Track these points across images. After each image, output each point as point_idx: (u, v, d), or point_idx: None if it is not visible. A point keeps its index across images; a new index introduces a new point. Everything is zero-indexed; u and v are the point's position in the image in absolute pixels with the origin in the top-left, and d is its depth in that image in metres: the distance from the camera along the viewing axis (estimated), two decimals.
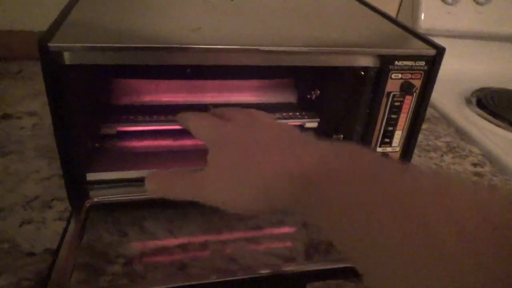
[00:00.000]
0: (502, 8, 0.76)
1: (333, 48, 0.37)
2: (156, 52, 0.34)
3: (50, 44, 0.31)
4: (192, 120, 0.33)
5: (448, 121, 0.66)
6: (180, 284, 0.34)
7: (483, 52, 0.81)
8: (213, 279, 0.36)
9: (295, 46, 0.37)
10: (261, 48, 0.35)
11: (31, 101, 0.60)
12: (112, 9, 0.42)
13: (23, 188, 0.43)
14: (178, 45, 0.34)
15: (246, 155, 0.27)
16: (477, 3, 0.74)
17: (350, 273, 0.38)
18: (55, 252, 0.32)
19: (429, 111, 0.69)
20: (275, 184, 0.25)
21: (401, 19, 0.80)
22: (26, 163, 0.47)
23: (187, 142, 0.49)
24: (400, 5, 0.81)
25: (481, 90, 0.74)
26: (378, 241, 0.19)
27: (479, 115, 0.67)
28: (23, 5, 0.71)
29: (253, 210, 0.29)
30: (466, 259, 0.16)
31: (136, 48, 0.33)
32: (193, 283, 0.35)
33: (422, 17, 0.75)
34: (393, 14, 0.82)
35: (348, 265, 0.37)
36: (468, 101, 0.71)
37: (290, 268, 0.38)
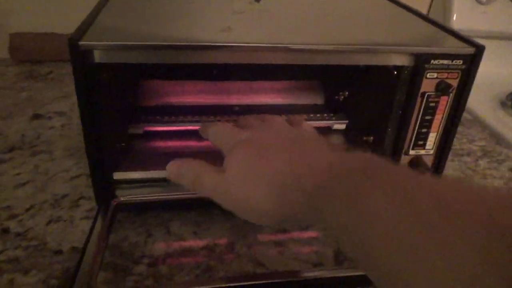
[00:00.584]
0: None
1: (366, 46, 0.36)
2: (188, 50, 0.33)
3: (80, 43, 0.31)
4: (210, 129, 0.35)
5: (482, 125, 0.63)
6: (206, 287, 0.33)
7: None
8: (239, 283, 0.35)
9: (326, 45, 0.36)
10: (292, 46, 0.35)
11: (61, 102, 0.61)
12: (140, 11, 0.42)
13: (53, 186, 0.44)
14: (210, 43, 0.33)
15: (256, 159, 0.28)
16: None
17: None
18: (82, 251, 0.32)
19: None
20: (287, 191, 0.26)
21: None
22: (55, 162, 0.48)
23: None
24: (431, 5, 0.79)
25: None
26: (375, 230, 0.20)
27: None
28: (53, 9, 0.73)
29: (266, 217, 0.28)
30: (455, 240, 0.17)
31: (166, 46, 0.33)
32: (217, 286, 0.34)
33: (454, 17, 0.72)
34: None
35: None
36: (503, 104, 0.68)
37: (318, 273, 0.37)
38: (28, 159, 0.48)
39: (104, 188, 0.38)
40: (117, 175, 0.39)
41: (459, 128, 0.62)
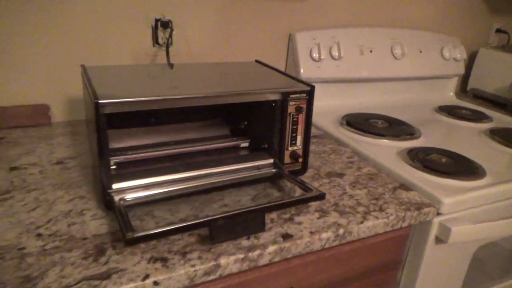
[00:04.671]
0: (350, 61, 1.15)
1: (255, 90, 0.65)
2: (161, 101, 0.58)
3: (99, 101, 0.53)
4: None
5: (330, 136, 0.98)
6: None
7: (346, 91, 1.19)
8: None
9: (232, 91, 0.64)
10: (211, 94, 0.62)
11: (28, 157, 0.76)
12: (113, 81, 0.65)
13: (57, 207, 0.61)
14: (167, 97, 0.58)
15: None
16: (334, 59, 1.12)
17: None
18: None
19: (317, 132, 1.00)
20: None
21: (288, 72, 1.14)
22: (49, 194, 0.65)
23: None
24: (286, 63, 1.16)
25: (347, 115, 1.09)
26: None
27: (347, 130, 1.00)
28: None
29: None
30: None
31: (144, 101, 0.57)
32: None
33: (302, 71, 1.09)
34: (282, 69, 1.16)
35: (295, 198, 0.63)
36: (340, 123, 1.05)
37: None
38: (26, 195, 0.64)
39: (108, 195, 0.58)
40: (115, 186, 0.60)
41: (317, 140, 0.95)
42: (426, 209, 0.69)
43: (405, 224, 0.68)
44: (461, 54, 1.34)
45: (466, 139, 1.03)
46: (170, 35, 0.92)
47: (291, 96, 0.67)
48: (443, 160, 0.86)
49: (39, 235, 0.55)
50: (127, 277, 0.48)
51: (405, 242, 0.74)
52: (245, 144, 0.79)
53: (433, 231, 0.72)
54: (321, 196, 0.61)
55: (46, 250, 0.52)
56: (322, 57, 1.10)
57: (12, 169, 0.72)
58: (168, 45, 0.90)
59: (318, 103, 1.14)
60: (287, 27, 1.13)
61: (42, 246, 0.53)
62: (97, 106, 0.53)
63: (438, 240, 0.74)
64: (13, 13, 0.84)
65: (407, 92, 1.31)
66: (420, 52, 1.27)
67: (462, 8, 1.45)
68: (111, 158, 0.66)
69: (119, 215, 0.54)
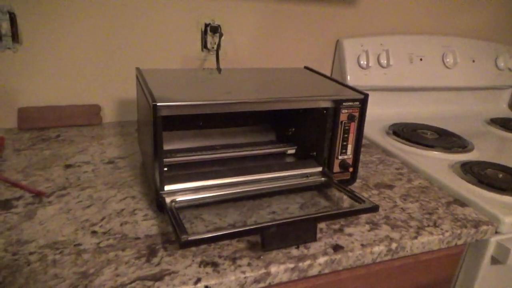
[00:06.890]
0: (399, 69, 1.12)
1: (309, 96, 0.64)
2: (211, 105, 0.58)
3: (157, 104, 0.54)
4: None
5: (376, 146, 0.95)
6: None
7: (393, 99, 1.16)
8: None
9: (286, 97, 0.63)
10: (265, 99, 0.61)
11: (81, 155, 0.79)
12: (171, 85, 0.66)
13: (110, 206, 0.63)
14: (222, 101, 0.59)
15: None
16: (382, 67, 1.09)
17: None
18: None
19: (363, 141, 0.98)
20: None
21: None
22: (102, 192, 0.66)
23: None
24: (332, 70, 1.14)
25: (394, 125, 1.06)
26: None
27: (394, 140, 0.97)
28: (51, 87, 0.92)
29: None
30: None
31: (196, 105, 0.57)
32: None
33: (349, 78, 1.07)
34: None
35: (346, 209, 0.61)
36: (387, 132, 1.02)
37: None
38: (81, 192, 0.66)
39: (160, 197, 0.59)
40: (167, 188, 0.60)
41: (363, 149, 0.93)
42: (484, 227, 0.65)
43: (460, 242, 0.65)
44: None
45: None
46: (219, 40, 0.93)
47: (344, 104, 0.66)
48: (500, 175, 0.81)
49: (94, 232, 0.56)
50: (179, 280, 0.49)
51: (459, 261, 0.70)
52: (291, 151, 0.79)
53: (490, 251, 0.68)
54: (374, 208, 0.59)
55: (101, 247, 0.53)
56: (370, 65, 1.07)
57: (67, 166, 0.74)
58: (218, 49, 0.91)
59: None
60: (334, 34, 1.12)
61: (97, 243, 0.54)
62: (155, 108, 0.54)
63: (495, 261, 0.70)
64: (73, 19, 0.88)
65: (458, 103, 1.26)
66: (473, 61, 1.22)
67: None
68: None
69: (172, 218, 0.54)
